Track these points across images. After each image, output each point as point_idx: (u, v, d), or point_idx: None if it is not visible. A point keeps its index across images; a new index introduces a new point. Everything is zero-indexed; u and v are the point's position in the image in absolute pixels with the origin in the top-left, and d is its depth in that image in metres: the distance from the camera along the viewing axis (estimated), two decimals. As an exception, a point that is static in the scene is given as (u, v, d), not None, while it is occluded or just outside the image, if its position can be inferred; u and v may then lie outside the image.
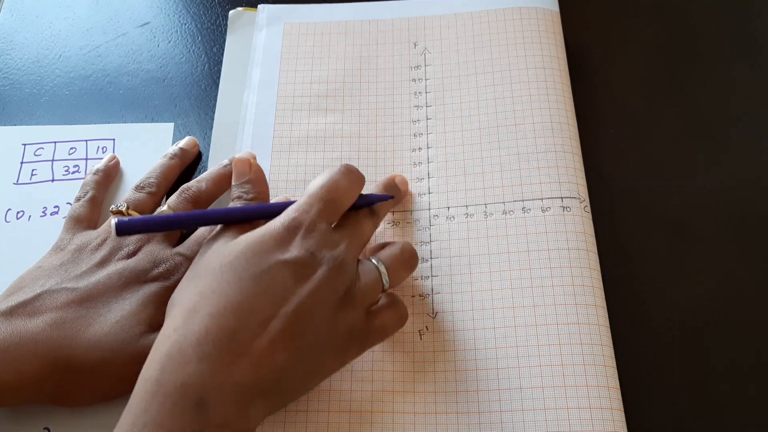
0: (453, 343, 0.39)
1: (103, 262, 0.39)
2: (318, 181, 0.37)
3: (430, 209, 0.44)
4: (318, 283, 0.33)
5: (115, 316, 0.36)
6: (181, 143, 0.47)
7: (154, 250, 0.40)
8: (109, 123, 0.50)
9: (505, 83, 0.47)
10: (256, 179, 0.40)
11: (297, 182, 0.45)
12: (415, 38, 0.51)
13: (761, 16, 0.53)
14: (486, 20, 0.50)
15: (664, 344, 0.40)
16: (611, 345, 0.38)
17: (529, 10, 0.50)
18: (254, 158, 0.42)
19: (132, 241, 0.40)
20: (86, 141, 0.48)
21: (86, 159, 0.47)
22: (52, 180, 0.46)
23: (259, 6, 0.53)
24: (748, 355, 0.40)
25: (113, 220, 0.35)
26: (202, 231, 0.42)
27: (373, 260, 0.37)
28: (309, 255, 0.33)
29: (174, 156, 0.46)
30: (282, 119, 0.47)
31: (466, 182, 0.44)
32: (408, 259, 0.38)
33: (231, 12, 0.53)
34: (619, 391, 0.37)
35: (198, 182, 0.43)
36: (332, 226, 0.36)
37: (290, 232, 0.34)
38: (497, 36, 0.49)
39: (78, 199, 0.43)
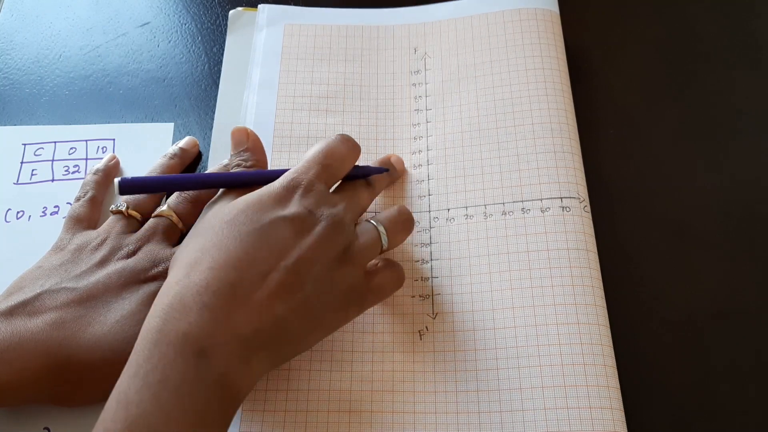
0: (453, 344, 0.39)
1: (102, 262, 0.39)
2: (315, 147, 0.38)
3: (430, 211, 0.44)
4: (317, 238, 0.34)
5: (115, 315, 0.36)
6: (181, 143, 0.47)
7: (154, 249, 0.40)
8: (109, 123, 0.50)
9: (505, 85, 0.47)
10: (255, 147, 0.40)
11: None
12: (415, 44, 0.51)
13: (761, 17, 0.53)
14: (485, 23, 0.50)
15: (664, 344, 0.40)
16: (611, 345, 0.38)
17: (529, 12, 0.50)
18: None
19: (132, 240, 0.40)
20: (86, 141, 0.48)
21: (86, 159, 0.47)
22: (52, 180, 0.46)
23: (259, 6, 0.53)
24: (748, 355, 0.40)
25: (116, 180, 0.36)
26: None
27: (372, 221, 0.38)
28: (307, 212, 0.34)
29: (174, 156, 0.46)
30: (282, 119, 0.47)
31: (465, 184, 0.44)
32: (405, 221, 0.39)
33: (231, 12, 0.54)
34: (619, 391, 0.37)
35: None
36: (330, 190, 0.37)
37: (289, 191, 0.35)
38: (497, 38, 0.49)
39: (78, 199, 0.43)
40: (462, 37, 0.50)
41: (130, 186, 0.36)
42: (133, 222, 0.42)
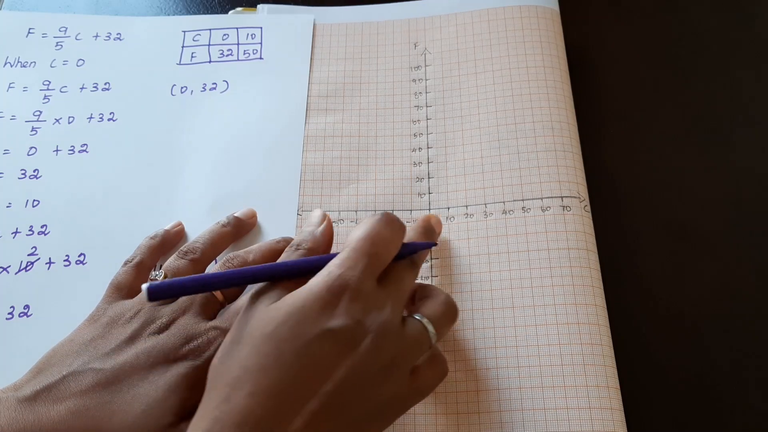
0: (452, 344, 0.39)
1: (133, 338, 0.36)
2: (360, 233, 0.35)
3: (429, 209, 0.44)
4: (363, 355, 0.31)
5: (141, 405, 0.34)
6: (239, 212, 0.43)
7: (188, 324, 0.36)
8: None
9: (505, 82, 0.47)
10: (325, 235, 0.38)
11: (296, 181, 0.45)
12: (415, 39, 0.51)
13: (762, 16, 0.53)
14: (486, 19, 0.50)
15: (665, 344, 0.40)
16: (611, 345, 0.38)
17: (529, 9, 0.50)
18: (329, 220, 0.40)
19: (166, 313, 0.37)
20: (237, 28, 0.52)
21: (238, 44, 0.51)
22: (210, 61, 0.51)
23: (258, 6, 0.53)
24: (748, 356, 0.40)
25: (145, 285, 0.33)
26: (241, 302, 0.38)
27: (423, 320, 0.35)
28: (355, 323, 0.31)
29: (227, 224, 0.42)
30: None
31: (466, 182, 0.44)
32: (453, 314, 0.37)
33: (231, 12, 0.53)
34: (619, 391, 0.37)
35: (245, 252, 0.40)
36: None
37: (335, 294, 0.32)
38: (497, 35, 0.49)
39: (125, 264, 0.40)
40: (462, 32, 0.50)
41: (160, 291, 0.33)
42: None
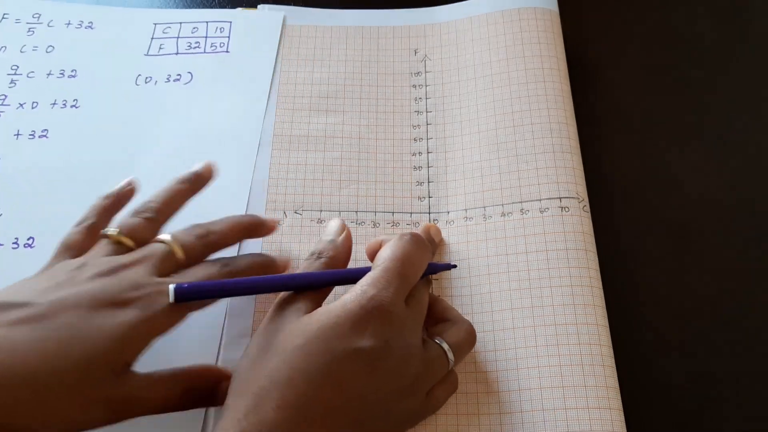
0: (452, 345, 0.39)
1: (75, 278, 0.33)
2: (391, 253, 0.35)
3: (429, 213, 0.44)
4: (387, 375, 0.32)
5: (80, 351, 0.31)
6: (198, 167, 0.41)
7: (139, 273, 0.34)
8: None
9: (504, 85, 0.47)
10: (343, 245, 0.38)
11: (296, 180, 0.45)
12: (415, 45, 0.51)
13: (761, 17, 0.54)
14: (485, 24, 0.50)
15: (664, 344, 0.40)
16: (610, 345, 0.38)
17: (528, 11, 0.50)
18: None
19: (116, 260, 0.34)
20: (207, 22, 0.53)
21: (206, 37, 0.52)
22: (176, 53, 0.51)
23: (259, 6, 0.53)
24: (748, 355, 0.40)
25: (171, 286, 0.32)
26: (204, 268, 0.37)
27: (443, 345, 0.36)
28: (384, 344, 0.32)
29: (185, 181, 0.40)
30: (282, 118, 0.48)
31: (465, 186, 0.44)
32: (472, 343, 0.38)
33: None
34: (618, 391, 0.37)
35: (211, 224, 0.39)
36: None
37: (367, 313, 0.32)
38: (496, 39, 0.49)
39: (77, 225, 0.38)
40: (462, 38, 0.50)
41: (186, 293, 0.33)
42: (123, 249, 0.36)
